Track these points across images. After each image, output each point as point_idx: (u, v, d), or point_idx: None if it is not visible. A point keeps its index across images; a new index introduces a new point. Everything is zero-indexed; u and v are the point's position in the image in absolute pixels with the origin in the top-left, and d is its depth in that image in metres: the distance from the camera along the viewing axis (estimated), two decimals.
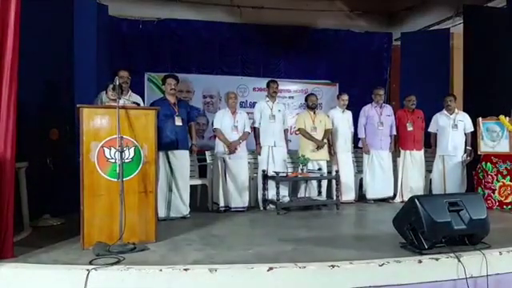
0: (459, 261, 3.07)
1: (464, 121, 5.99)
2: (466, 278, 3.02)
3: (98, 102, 4.78)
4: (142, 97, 7.03)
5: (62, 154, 4.79)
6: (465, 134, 5.99)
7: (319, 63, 9.81)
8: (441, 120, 6.07)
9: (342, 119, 6.21)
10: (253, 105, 7.64)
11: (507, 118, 5.67)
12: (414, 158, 6.10)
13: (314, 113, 6.03)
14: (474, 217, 3.25)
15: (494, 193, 5.50)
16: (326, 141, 5.97)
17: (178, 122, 4.92)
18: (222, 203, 5.40)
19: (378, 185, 6.09)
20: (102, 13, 6.57)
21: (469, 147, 5.94)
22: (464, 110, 6.28)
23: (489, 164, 5.57)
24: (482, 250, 3.21)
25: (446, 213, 3.20)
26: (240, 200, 5.48)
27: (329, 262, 2.98)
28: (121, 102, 3.60)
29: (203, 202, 5.85)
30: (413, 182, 6.04)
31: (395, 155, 6.22)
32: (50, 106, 4.87)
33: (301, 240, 3.87)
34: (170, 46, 8.91)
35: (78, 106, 3.58)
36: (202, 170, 6.11)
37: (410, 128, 6.08)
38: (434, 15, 8.76)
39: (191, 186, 5.19)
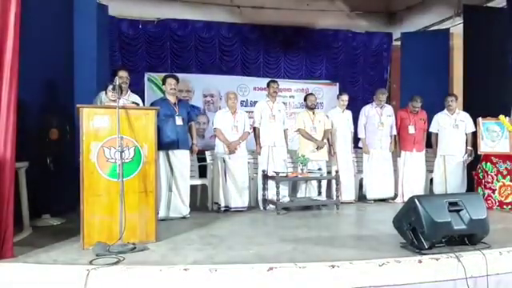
0: (459, 261, 3.07)
1: (465, 121, 5.98)
2: (466, 278, 3.02)
3: (97, 102, 4.76)
4: (142, 97, 7.05)
5: (61, 153, 4.79)
6: (465, 133, 5.99)
7: (319, 63, 9.85)
8: (442, 120, 6.06)
9: (341, 119, 6.20)
10: (253, 104, 7.66)
11: (507, 117, 5.67)
12: (414, 159, 6.09)
13: (313, 113, 6.02)
14: (473, 217, 3.25)
15: (494, 193, 5.50)
16: (325, 141, 5.97)
17: (179, 121, 4.92)
18: (222, 203, 5.40)
19: (378, 185, 6.09)
20: (101, 13, 6.56)
21: (469, 147, 5.94)
22: (464, 110, 6.28)
23: (489, 164, 5.56)
24: (481, 250, 3.21)
25: (446, 213, 3.21)
26: (240, 200, 5.48)
27: (329, 262, 2.98)
28: (120, 102, 3.60)
29: (203, 201, 5.84)
30: (413, 183, 6.02)
31: (395, 155, 6.21)
32: (50, 106, 4.87)
33: (301, 240, 3.87)
34: (170, 46, 8.93)
35: (77, 106, 3.59)
36: (202, 170, 6.11)
37: (411, 131, 6.04)
38: (434, 15, 8.77)
39: (191, 185, 5.19)
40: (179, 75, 5.52)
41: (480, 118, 5.77)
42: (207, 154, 6.08)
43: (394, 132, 6.19)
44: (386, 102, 6.39)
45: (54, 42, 4.91)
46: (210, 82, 8.92)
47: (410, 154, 6.10)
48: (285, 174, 5.55)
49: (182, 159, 4.93)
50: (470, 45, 6.97)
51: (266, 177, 5.58)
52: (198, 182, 5.82)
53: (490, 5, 7.48)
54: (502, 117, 5.67)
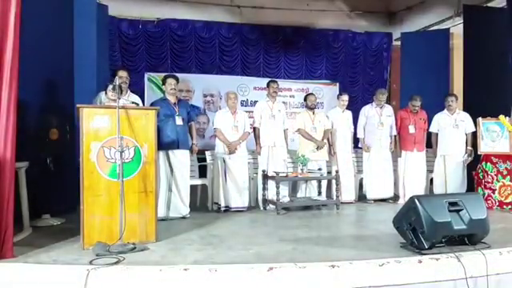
0: (459, 261, 3.06)
1: (465, 121, 5.98)
2: (466, 278, 3.02)
3: (96, 102, 4.77)
4: (142, 97, 7.05)
5: (61, 153, 4.79)
6: (465, 133, 5.99)
7: (319, 63, 9.86)
8: (442, 120, 6.06)
9: (341, 119, 6.20)
10: (253, 104, 7.67)
11: (507, 117, 5.67)
12: (415, 159, 6.08)
13: (313, 113, 6.02)
14: (473, 217, 3.25)
15: (494, 193, 5.50)
16: (325, 141, 5.97)
17: (179, 121, 4.92)
18: (222, 203, 5.40)
19: (378, 185, 6.08)
20: (101, 13, 6.57)
21: (469, 147, 5.94)
22: (464, 110, 6.28)
23: (489, 164, 5.56)
24: (481, 250, 3.21)
25: (446, 213, 3.21)
26: (240, 200, 5.47)
27: (329, 262, 2.98)
28: (120, 103, 3.60)
29: (203, 201, 5.84)
30: (414, 183, 6.01)
31: (395, 155, 6.21)
32: (50, 106, 4.87)
33: (301, 240, 3.87)
34: (170, 46, 8.94)
35: (77, 106, 3.58)
36: (202, 170, 6.11)
37: (412, 131, 6.03)
38: (434, 15, 8.78)
39: (191, 185, 5.19)
40: (179, 75, 5.53)
41: (480, 118, 5.77)
42: (207, 154, 6.08)
43: (394, 132, 6.18)
44: (386, 102, 6.39)
45: (54, 41, 4.91)
46: (210, 81, 8.92)
47: (410, 154, 6.08)
48: (285, 174, 5.55)
49: (181, 159, 4.93)
50: (470, 45, 6.97)
51: (266, 177, 5.58)
52: (198, 181, 5.82)
53: (490, 5, 7.49)
54: (501, 117, 5.67)
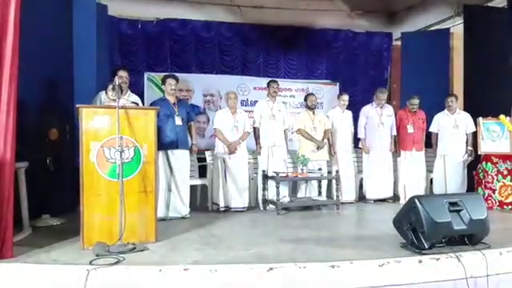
0: (459, 261, 3.07)
1: (465, 121, 5.98)
2: (466, 278, 3.02)
3: (96, 102, 4.77)
4: (142, 97, 7.04)
5: (61, 153, 4.79)
6: (466, 133, 5.98)
7: (319, 63, 9.84)
8: (442, 120, 6.06)
9: (342, 119, 6.20)
10: (253, 104, 7.66)
11: (507, 117, 5.67)
12: (414, 159, 6.08)
13: (314, 113, 6.02)
14: (474, 217, 3.25)
15: (494, 193, 5.49)
16: (326, 141, 5.97)
17: (178, 121, 4.92)
18: (221, 203, 5.39)
19: (378, 185, 6.08)
20: (101, 13, 6.56)
21: (470, 147, 5.94)
22: (464, 110, 6.28)
23: (489, 164, 5.56)
24: (481, 250, 3.21)
25: (446, 213, 3.21)
26: (240, 200, 5.47)
27: (329, 262, 2.98)
28: (120, 102, 3.60)
29: (203, 201, 5.84)
30: (414, 183, 6.00)
31: (395, 155, 6.20)
32: (50, 106, 4.87)
33: (301, 240, 3.87)
34: (169, 45, 8.92)
35: (77, 106, 3.58)
36: (202, 169, 6.11)
37: (410, 130, 6.03)
38: (434, 15, 8.77)
39: (191, 185, 5.19)
40: (179, 75, 5.53)
41: (480, 118, 5.76)
42: (207, 154, 6.08)
43: (394, 132, 6.18)
44: (387, 102, 6.39)
45: (54, 41, 4.92)
46: (210, 81, 8.91)
47: (409, 154, 6.08)
48: (285, 174, 5.54)
49: (181, 159, 4.93)
50: (470, 45, 6.96)
51: (266, 177, 5.58)
52: (197, 182, 5.82)
53: (490, 4, 7.48)
54: (502, 117, 5.67)
